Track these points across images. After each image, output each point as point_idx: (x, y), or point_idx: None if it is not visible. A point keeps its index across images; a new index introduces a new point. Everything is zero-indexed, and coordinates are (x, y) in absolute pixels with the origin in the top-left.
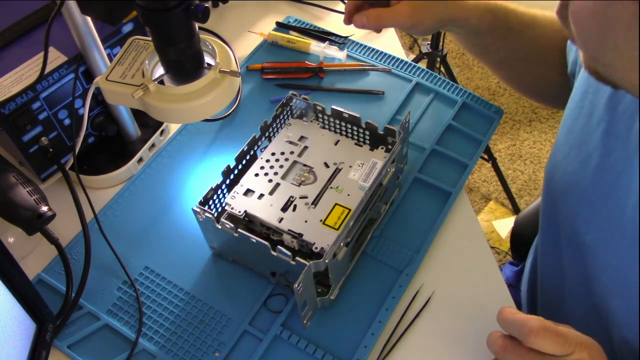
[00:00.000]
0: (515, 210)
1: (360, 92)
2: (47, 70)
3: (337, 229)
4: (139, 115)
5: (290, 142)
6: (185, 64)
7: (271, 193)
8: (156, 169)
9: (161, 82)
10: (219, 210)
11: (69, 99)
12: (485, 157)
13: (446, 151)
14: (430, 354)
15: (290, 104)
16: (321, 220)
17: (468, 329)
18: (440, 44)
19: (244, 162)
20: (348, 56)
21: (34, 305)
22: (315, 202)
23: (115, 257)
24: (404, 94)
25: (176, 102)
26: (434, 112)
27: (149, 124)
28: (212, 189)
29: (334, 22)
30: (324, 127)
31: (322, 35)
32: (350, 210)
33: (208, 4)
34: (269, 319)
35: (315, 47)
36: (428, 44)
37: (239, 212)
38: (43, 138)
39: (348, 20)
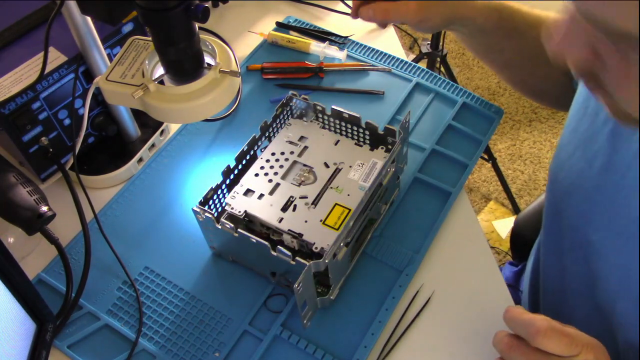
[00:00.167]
0: (515, 210)
1: (360, 92)
2: (47, 70)
3: (337, 229)
4: (139, 115)
5: (290, 142)
6: (185, 64)
7: (271, 193)
8: (156, 169)
9: (161, 82)
10: (219, 210)
11: (69, 99)
12: (485, 157)
13: (446, 151)
14: (430, 354)
15: (290, 104)
16: (321, 220)
17: (468, 329)
18: (440, 44)
19: (244, 162)
20: (348, 56)
21: (34, 305)
22: (315, 202)
23: (115, 257)
24: (404, 94)
25: (176, 102)
26: (434, 112)
27: (149, 124)
28: (212, 189)
29: (334, 22)
30: (324, 127)
31: (322, 35)
32: (350, 210)
33: (208, 4)
34: (269, 319)
35: (315, 47)
36: (428, 44)
37: (239, 212)
38: (43, 138)
39: (355, 14)
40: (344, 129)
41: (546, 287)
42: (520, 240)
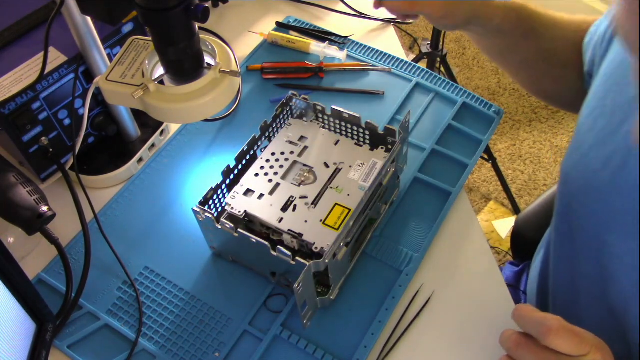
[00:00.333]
0: (515, 210)
1: (360, 92)
2: (47, 70)
3: (337, 229)
4: (139, 115)
5: (290, 142)
6: (185, 64)
7: (271, 193)
8: (156, 169)
9: (161, 82)
10: (219, 210)
11: (69, 99)
12: (485, 157)
13: (446, 151)
14: (430, 354)
15: (290, 104)
16: (321, 220)
17: (468, 329)
18: (440, 44)
19: (244, 162)
20: (348, 56)
21: (34, 305)
22: (315, 202)
23: (115, 257)
24: (404, 94)
25: (176, 102)
26: (434, 112)
27: (149, 124)
28: (212, 189)
29: (334, 22)
30: (324, 127)
31: (322, 35)
32: (350, 210)
33: (208, 4)
34: (269, 319)
35: (315, 47)
36: (428, 44)
37: (239, 212)
38: (43, 138)
39: (378, 4)
40: (344, 129)
41: (556, 288)
42: (521, 240)
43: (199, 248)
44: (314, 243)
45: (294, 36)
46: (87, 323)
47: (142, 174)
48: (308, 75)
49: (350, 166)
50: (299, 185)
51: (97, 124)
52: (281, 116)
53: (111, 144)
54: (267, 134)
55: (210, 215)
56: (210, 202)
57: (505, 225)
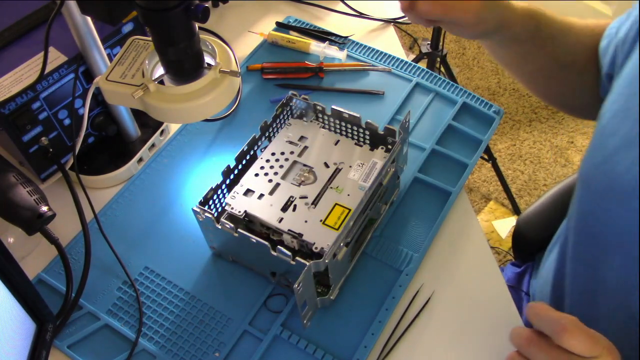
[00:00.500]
0: (515, 210)
1: (360, 92)
2: (47, 70)
3: (337, 229)
4: (139, 115)
5: (290, 142)
6: (185, 64)
7: (271, 193)
8: (156, 169)
9: (161, 82)
10: (219, 210)
11: (69, 99)
12: (485, 157)
13: (446, 151)
14: (430, 354)
15: (290, 104)
16: (321, 220)
17: (468, 329)
18: (440, 44)
19: (244, 162)
20: (348, 56)
21: (34, 305)
22: (315, 202)
23: (115, 257)
24: (404, 94)
25: (176, 102)
26: (434, 112)
27: (149, 124)
28: (212, 189)
29: (334, 22)
30: (324, 127)
31: (322, 35)
32: (350, 210)
33: (208, 4)
34: (269, 319)
35: (315, 47)
36: (428, 44)
37: (239, 212)
38: (43, 138)
39: (408, 8)
40: (344, 129)
41: (573, 289)
42: (523, 241)
43: (199, 248)
44: (314, 243)
45: (294, 36)
46: (87, 323)
47: (142, 174)
48: (308, 75)
49: (350, 166)
50: (299, 185)
51: (97, 124)
52: (281, 116)
53: (111, 144)
54: (267, 134)
55: (210, 215)
56: (210, 202)
57: (505, 225)
